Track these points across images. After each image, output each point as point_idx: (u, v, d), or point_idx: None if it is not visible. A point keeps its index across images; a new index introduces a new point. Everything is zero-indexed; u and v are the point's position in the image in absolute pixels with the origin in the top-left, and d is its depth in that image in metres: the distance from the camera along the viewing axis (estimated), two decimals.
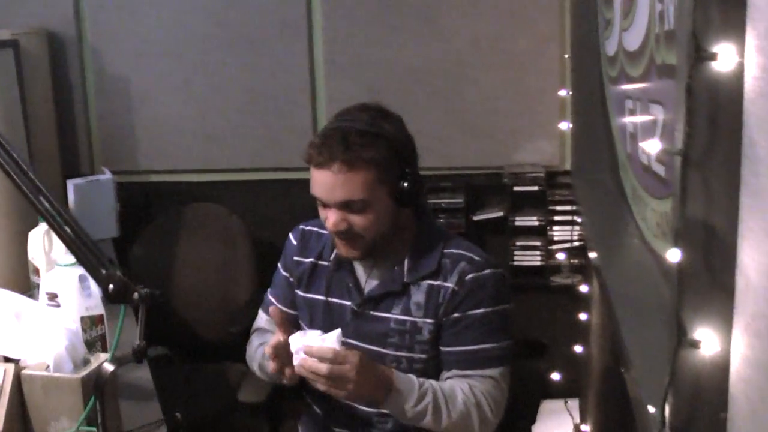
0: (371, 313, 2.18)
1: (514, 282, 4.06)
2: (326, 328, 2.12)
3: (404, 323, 2.14)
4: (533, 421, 3.96)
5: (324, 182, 2.03)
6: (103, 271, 1.63)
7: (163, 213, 4.06)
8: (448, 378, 2.13)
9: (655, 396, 1.33)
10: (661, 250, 2.00)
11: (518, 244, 4.02)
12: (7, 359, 1.99)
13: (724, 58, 1.10)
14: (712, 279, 1.18)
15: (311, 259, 2.28)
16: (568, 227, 3.99)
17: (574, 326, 3.95)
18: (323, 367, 1.94)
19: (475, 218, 4.06)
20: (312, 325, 2.23)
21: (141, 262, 3.84)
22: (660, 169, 1.98)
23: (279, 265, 2.39)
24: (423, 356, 2.14)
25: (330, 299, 2.24)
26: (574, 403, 4.06)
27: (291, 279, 2.33)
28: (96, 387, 1.58)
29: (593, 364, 3.51)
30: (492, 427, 2.13)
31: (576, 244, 3.98)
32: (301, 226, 2.36)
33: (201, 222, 3.95)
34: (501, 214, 4.02)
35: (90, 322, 2.21)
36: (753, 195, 1.06)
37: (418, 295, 2.13)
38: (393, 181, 2.05)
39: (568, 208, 3.96)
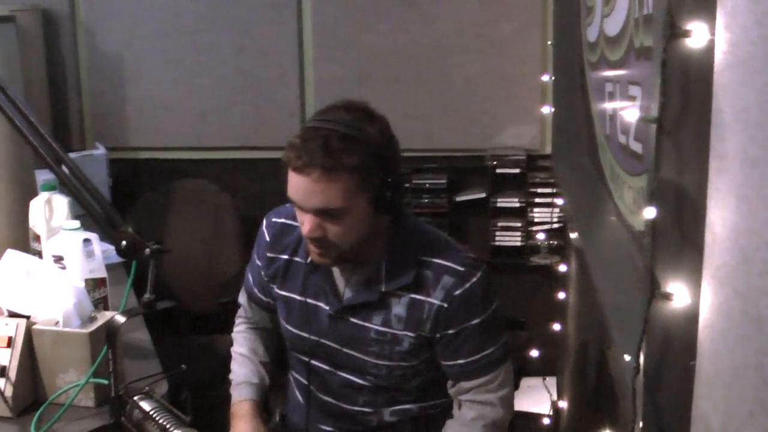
0: (350, 319, 2.11)
1: (495, 262, 4.17)
2: (303, 326, 2.16)
3: (384, 334, 2.07)
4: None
5: (302, 187, 1.91)
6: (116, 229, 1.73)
7: (154, 189, 4.14)
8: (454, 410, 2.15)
9: (631, 346, 1.45)
10: (637, 225, 2.12)
11: (499, 224, 4.14)
12: (18, 315, 2.08)
13: (696, 34, 1.21)
14: (683, 235, 1.30)
15: (285, 256, 2.20)
16: (548, 209, 4.10)
17: (552, 305, 4.06)
18: None
19: (458, 199, 4.17)
20: (289, 322, 2.22)
21: None
22: (637, 147, 2.09)
23: (254, 250, 2.31)
24: (403, 364, 2.10)
25: (306, 299, 2.17)
26: (551, 381, 4.17)
27: (263, 272, 2.26)
28: (108, 338, 1.68)
29: (570, 341, 3.62)
30: (506, 421, 2.15)
31: (555, 225, 4.10)
32: (273, 218, 2.26)
33: (190, 198, 4.04)
34: (483, 195, 4.14)
35: (93, 284, 2.31)
36: (719, 158, 1.18)
37: (398, 308, 2.06)
38: (374, 187, 1.94)
39: (548, 190, 4.07)
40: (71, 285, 2.08)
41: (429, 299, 2.03)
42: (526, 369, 4.27)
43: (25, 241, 2.71)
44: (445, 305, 2.01)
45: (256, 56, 4.17)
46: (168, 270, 3.81)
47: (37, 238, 2.66)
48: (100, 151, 3.89)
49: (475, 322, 2.03)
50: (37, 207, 2.67)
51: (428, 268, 2.04)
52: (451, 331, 2.03)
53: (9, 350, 2.01)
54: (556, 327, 4.00)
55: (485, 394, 2.08)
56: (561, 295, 3.93)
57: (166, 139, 4.31)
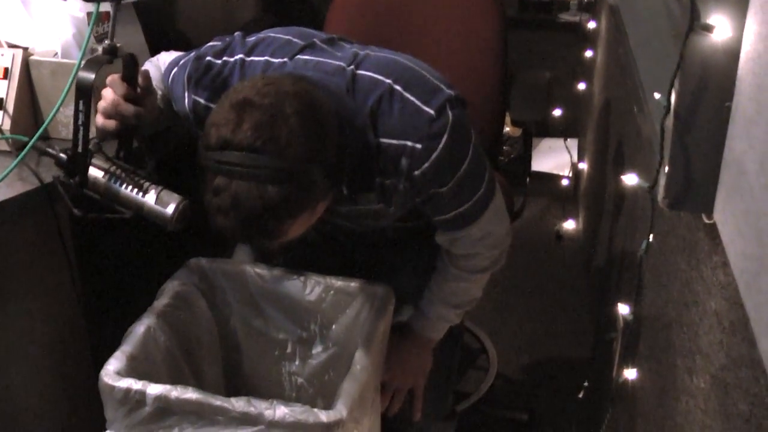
0: None
1: (521, 17, 4.02)
2: None
3: (362, 212, 1.82)
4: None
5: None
6: None
7: None
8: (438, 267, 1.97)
9: (662, 83, 1.35)
10: None
11: None
12: (14, 46, 1.98)
13: None
14: None
15: None
16: None
17: (578, 64, 3.95)
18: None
19: None
20: None
21: None
22: None
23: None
24: (398, 217, 1.86)
25: None
26: (572, 142, 4.12)
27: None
28: (78, 95, 1.57)
29: (595, 100, 3.54)
30: (505, 247, 1.93)
31: None
32: (197, 97, 1.72)
33: None
34: None
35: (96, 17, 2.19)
36: None
37: (369, 197, 1.75)
38: (326, 186, 1.52)
39: None
40: (70, 15, 1.96)
41: (394, 181, 1.68)
42: (547, 130, 4.21)
43: None
44: (407, 185, 1.68)
45: None
46: (180, 16, 3.67)
47: None
48: None
49: (444, 188, 1.70)
50: None
51: (385, 154, 1.65)
52: (419, 199, 1.74)
53: (6, 82, 1.92)
54: (581, 86, 3.90)
55: (469, 247, 1.87)
56: (588, 54, 3.81)
57: None
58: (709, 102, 1.26)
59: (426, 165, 1.63)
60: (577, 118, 4.10)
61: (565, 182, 4.05)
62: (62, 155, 1.64)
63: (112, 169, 1.63)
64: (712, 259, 1.35)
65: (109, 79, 1.66)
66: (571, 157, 4.06)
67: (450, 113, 1.62)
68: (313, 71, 1.64)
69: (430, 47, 2.48)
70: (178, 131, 1.87)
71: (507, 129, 3.77)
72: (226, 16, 3.59)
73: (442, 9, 2.53)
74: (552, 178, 4.11)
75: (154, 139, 1.83)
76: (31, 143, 1.72)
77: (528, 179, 2.76)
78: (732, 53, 1.22)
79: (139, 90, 1.68)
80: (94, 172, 1.64)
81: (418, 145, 1.61)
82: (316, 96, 1.51)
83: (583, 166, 3.86)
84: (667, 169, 1.34)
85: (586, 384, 2.49)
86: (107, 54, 1.62)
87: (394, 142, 1.63)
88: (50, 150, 1.67)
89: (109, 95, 1.65)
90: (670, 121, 1.32)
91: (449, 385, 2.26)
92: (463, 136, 1.67)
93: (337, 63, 1.66)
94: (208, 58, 1.72)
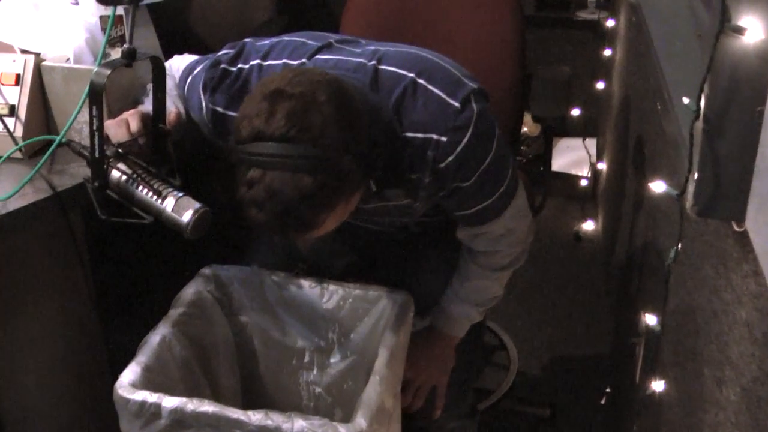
0: None
1: (539, 15, 3.98)
2: None
3: (388, 209, 1.81)
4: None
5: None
6: None
7: None
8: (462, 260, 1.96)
9: (691, 87, 1.31)
10: None
11: None
12: (26, 52, 1.96)
13: None
14: None
15: None
16: None
17: (597, 62, 3.90)
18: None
19: None
20: None
21: None
22: None
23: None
24: (421, 214, 1.87)
25: None
26: (591, 142, 4.07)
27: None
28: (91, 94, 1.54)
29: (615, 100, 3.49)
30: (526, 245, 1.93)
31: None
32: (211, 106, 1.71)
33: None
34: None
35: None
36: None
37: (397, 192, 1.75)
38: (359, 178, 1.50)
39: None
40: (83, 20, 1.93)
41: (420, 175, 1.67)
42: (565, 129, 4.16)
43: None
44: (431, 179, 1.67)
45: None
46: (194, 18, 3.65)
47: None
48: None
49: (468, 183, 1.68)
50: None
51: (411, 148, 1.63)
52: (443, 193, 1.72)
53: (18, 88, 1.89)
54: (600, 85, 3.85)
55: (491, 244, 1.86)
56: (607, 52, 3.76)
57: None
58: (741, 107, 1.22)
59: (451, 158, 1.62)
60: (595, 117, 4.06)
61: (583, 182, 4.01)
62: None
63: (135, 174, 1.61)
64: (742, 268, 1.31)
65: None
66: (590, 156, 4.02)
67: (475, 106, 1.61)
68: (334, 69, 1.61)
69: (448, 46, 2.44)
70: (195, 137, 1.85)
71: (525, 129, 3.73)
72: (240, 18, 3.56)
73: (459, 7, 2.49)
74: (570, 178, 4.07)
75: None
76: (58, 140, 1.74)
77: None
78: (764, 56, 1.18)
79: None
80: (118, 176, 1.62)
81: (444, 138, 1.60)
82: (347, 87, 1.50)
83: (602, 166, 3.82)
84: (696, 175, 1.30)
85: (608, 390, 2.45)
86: (126, 57, 1.60)
87: (420, 135, 1.61)
88: (83, 151, 1.66)
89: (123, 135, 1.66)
90: (699, 126, 1.28)
91: (470, 383, 2.24)
92: (488, 129, 1.65)
93: (357, 60, 1.65)
94: (223, 65, 1.70)
